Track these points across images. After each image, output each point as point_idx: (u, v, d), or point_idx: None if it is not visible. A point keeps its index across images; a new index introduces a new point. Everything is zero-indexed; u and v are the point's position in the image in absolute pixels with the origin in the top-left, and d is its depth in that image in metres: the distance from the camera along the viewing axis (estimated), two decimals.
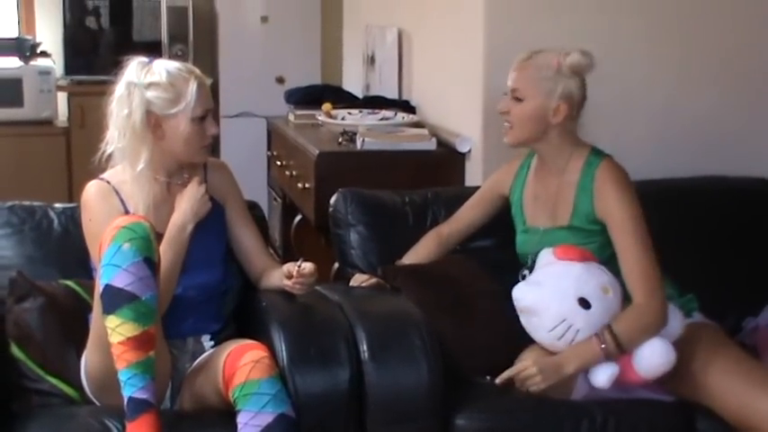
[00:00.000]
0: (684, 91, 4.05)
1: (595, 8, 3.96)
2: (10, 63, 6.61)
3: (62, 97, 6.76)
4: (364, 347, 2.95)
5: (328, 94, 5.30)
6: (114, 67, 3.08)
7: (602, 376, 3.02)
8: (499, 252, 3.48)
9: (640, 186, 3.24)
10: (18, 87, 6.49)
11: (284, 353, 2.88)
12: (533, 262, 3.22)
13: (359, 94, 5.44)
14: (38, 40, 6.90)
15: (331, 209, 3.67)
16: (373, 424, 2.94)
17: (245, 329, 3.16)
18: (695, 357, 3.05)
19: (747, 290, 3.63)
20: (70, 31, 6.98)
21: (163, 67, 3.04)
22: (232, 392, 2.76)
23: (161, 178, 3.10)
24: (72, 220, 3.34)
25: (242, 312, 3.25)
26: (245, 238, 3.26)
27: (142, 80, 3.02)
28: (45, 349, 3.02)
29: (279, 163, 5.04)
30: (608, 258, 3.15)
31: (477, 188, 3.61)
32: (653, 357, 3.00)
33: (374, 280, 3.44)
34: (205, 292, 3.11)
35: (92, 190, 3.09)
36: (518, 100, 3.22)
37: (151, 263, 2.73)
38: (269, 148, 5.61)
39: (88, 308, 3.00)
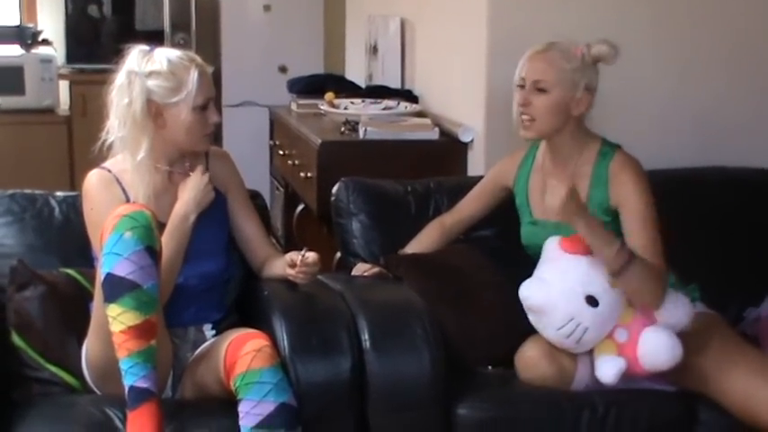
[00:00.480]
0: (690, 82, 4.05)
1: None
2: (11, 51, 6.60)
3: (64, 86, 6.75)
4: (366, 337, 2.95)
5: (331, 83, 5.29)
6: (116, 55, 3.07)
7: (610, 371, 3.01)
8: (501, 242, 3.48)
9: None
10: (19, 75, 6.48)
11: (286, 342, 2.88)
12: None
13: (361, 83, 5.43)
14: (39, 29, 6.89)
15: (333, 198, 3.66)
16: (375, 413, 2.94)
17: (247, 318, 3.16)
18: (697, 347, 3.04)
19: (749, 280, 3.63)
20: (72, 20, 6.96)
21: (164, 56, 3.03)
22: (233, 381, 2.76)
23: (162, 167, 3.10)
24: (73, 208, 3.33)
25: (244, 301, 3.24)
26: (247, 227, 3.25)
27: (143, 69, 3.01)
28: (46, 338, 3.02)
29: (281, 152, 5.04)
30: None
31: (479, 178, 3.60)
32: (659, 352, 2.99)
33: (376, 269, 3.43)
34: (207, 281, 3.11)
35: (93, 179, 3.08)
36: (541, 91, 3.19)
37: (153, 251, 2.73)
38: (271, 138, 5.60)
39: (89, 296, 3.01)
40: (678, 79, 4.04)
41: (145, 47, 3.07)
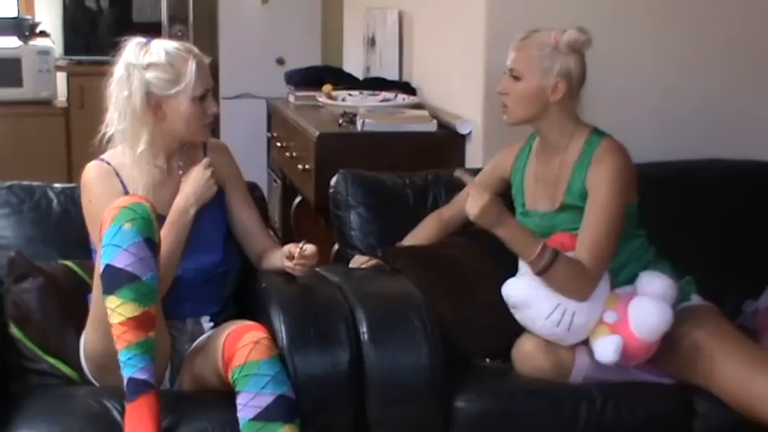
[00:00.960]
0: (687, 75, 4.04)
1: None
2: (9, 43, 6.59)
3: (61, 77, 6.74)
4: (364, 329, 2.95)
5: (329, 75, 5.28)
6: (114, 47, 3.06)
7: (608, 350, 3.01)
8: None
9: (639, 168, 3.23)
10: (17, 67, 6.46)
11: (284, 334, 2.88)
12: None
13: (359, 75, 5.42)
14: (37, 20, 6.89)
15: (331, 190, 3.66)
16: (373, 405, 2.94)
17: (245, 311, 3.16)
18: (694, 340, 3.05)
19: (747, 273, 3.63)
20: (70, 11, 6.95)
21: (161, 48, 3.03)
22: (231, 373, 2.76)
23: (160, 163, 3.09)
24: (71, 200, 3.33)
25: (242, 293, 3.24)
26: (246, 220, 3.25)
27: (141, 61, 3.00)
28: (44, 329, 3.02)
29: (279, 144, 5.03)
30: None
31: (477, 170, 3.60)
32: (649, 315, 3.00)
33: (374, 261, 3.44)
34: (205, 274, 3.11)
35: (92, 171, 3.08)
36: (516, 79, 3.22)
37: (152, 243, 2.73)
38: (269, 130, 5.60)
39: (87, 288, 3.01)
40: (676, 72, 4.03)
41: (142, 39, 3.06)
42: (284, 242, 3.30)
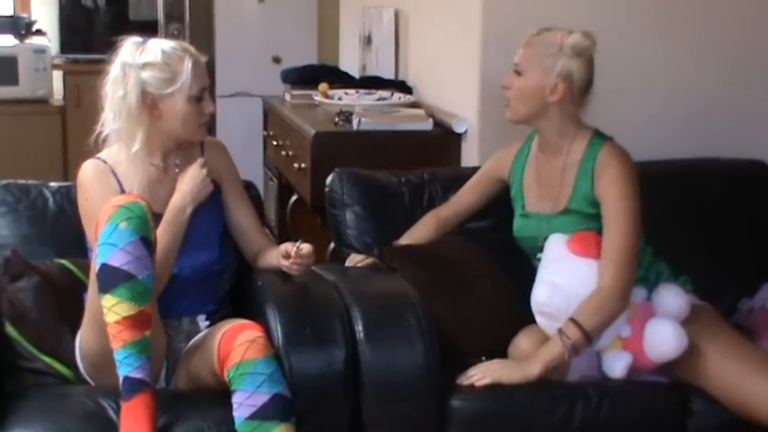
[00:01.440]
0: (685, 75, 4.04)
1: None
2: (5, 41, 6.60)
3: (57, 76, 6.75)
4: (360, 328, 2.95)
5: (325, 74, 5.28)
6: (110, 46, 3.06)
7: (618, 366, 3.03)
8: (496, 233, 3.47)
9: (638, 167, 3.22)
10: (13, 66, 6.48)
11: (279, 333, 2.88)
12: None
13: (355, 74, 5.42)
14: (33, 19, 6.90)
15: (327, 189, 3.66)
16: (368, 404, 2.94)
17: (241, 309, 3.16)
18: (690, 339, 3.04)
19: (743, 271, 3.63)
20: (66, 10, 6.97)
21: (157, 47, 3.02)
22: (227, 372, 2.76)
23: (156, 161, 3.09)
24: (67, 198, 3.33)
25: (238, 292, 3.24)
26: (242, 218, 3.25)
27: (137, 60, 3.00)
28: (40, 328, 3.02)
29: (275, 143, 5.03)
30: None
31: (473, 169, 3.60)
32: (666, 341, 3.00)
33: (370, 260, 3.43)
34: (201, 272, 3.11)
35: (88, 170, 3.07)
36: (518, 74, 3.22)
37: (148, 242, 2.73)
38: (265, 128, 5.60)
39: (83, 287, 3.00)
40: (674, 72, 4.03)
41: (138, 38, 3.06)
42: (280, 241, 3.31)
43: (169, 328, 3.04)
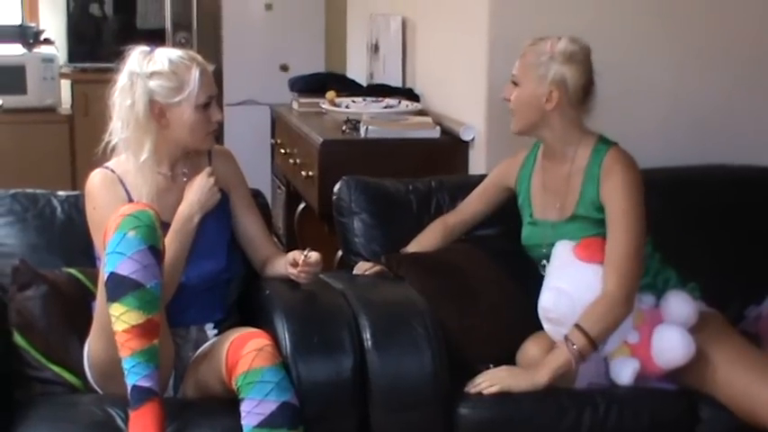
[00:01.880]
0: (691, 81, 4.05)
1: None
2: (13, 50, 6.61)
3: (65, 85, 6.77)
4: (368, 336, 2.95)
5: (332, 82, 5.28)
6: (118, 54, 3.06)
7: (625, 373, 3.03)
8: (503, 241, 3.47)
9: (644, 174, 3.23)
10: (21, 75, 6.49)
11: (288, 341, 2.88)
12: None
13: (363, 82, 5.42)
14: (41, 28, 6.91)
15: (335, 197, 3.66)
16: (376, 412, 2.94)
17: (249, 318, 3.16)
18: (698, 346, 3.04)
19: (750, 278, 3.62)
20: (74, 19, 6.98)
21: (165, 56, 3.03)
22: (235, 381, 2.76)
23: (164, 170, 3.10)
24: (75, 207, 3.34)
25: (245, 301, 3.24)
26: (250, 226, 3.26)
27: (144, 69, 3.00)
28: (48, 337, 3.02)
29: (282, 151, 5.04)
30: None
31: (481, 176, 3.61)
32: (674, 348, 3.00)
33: (378, 268, 3.43)
34: (209, 281, 3.11)
35: (96, 179, 3.08)
36: (516, 85, 3.23)
37: (156, 251, 2.73)
38: (273, 136, 5.60)
39: (91, 296, 3.01)
40: (679, 78, 4.03)
41: (145, 47, 3.06)
42: (288, 249, 3.31)
43: (177, 336, 3.04)
